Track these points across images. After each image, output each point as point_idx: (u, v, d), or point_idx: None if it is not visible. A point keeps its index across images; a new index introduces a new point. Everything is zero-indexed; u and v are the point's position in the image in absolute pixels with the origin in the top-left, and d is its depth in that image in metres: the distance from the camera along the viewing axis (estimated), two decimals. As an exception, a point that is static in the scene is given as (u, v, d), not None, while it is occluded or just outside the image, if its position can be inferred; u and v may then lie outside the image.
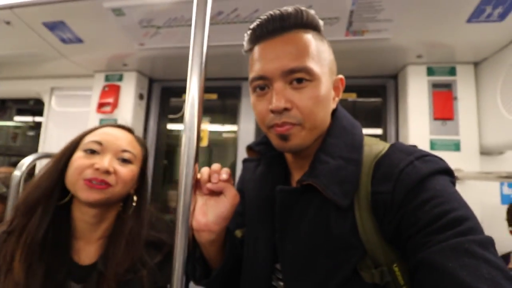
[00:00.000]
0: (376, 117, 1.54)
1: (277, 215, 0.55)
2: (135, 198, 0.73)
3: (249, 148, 0.69)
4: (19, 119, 2.40)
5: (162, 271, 0.70)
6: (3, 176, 1.31)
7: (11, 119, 2.40)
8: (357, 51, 1.20)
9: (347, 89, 1.49)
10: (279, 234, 0.54)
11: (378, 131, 1.53)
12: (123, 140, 0.69)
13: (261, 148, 0.66)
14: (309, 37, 0.51)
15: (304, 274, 0.49)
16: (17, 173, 1.04)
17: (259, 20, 0.52)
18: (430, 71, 1.27)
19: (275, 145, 0.54)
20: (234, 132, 1.74)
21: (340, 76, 0.58)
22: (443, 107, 1.22)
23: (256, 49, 0.54)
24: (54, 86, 1.79)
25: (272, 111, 0.49)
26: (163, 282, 0.69)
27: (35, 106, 2.03)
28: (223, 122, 1.88)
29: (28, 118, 2.38)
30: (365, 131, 0.59)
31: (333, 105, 0.56)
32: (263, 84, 0.51)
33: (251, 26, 0.54)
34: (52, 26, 1.28)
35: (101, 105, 1.53)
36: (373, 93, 1.55)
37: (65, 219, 0.68)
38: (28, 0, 1.18)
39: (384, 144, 0.53)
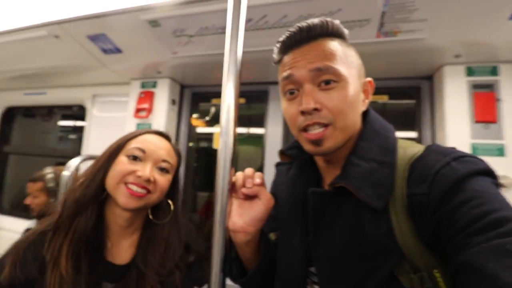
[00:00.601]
0: (408, 120, 1.48)
1: (310, 218, 0.56)
2: (171, 203, 0.75)
3: (282, 153, 0.70)
4: (62, 123, 2.61)
5: (191, 273, 0.72)
6: (57, 173, 1.47)
7: (55, 123, 2.62)
8: (388, 52, 1.17)
9: (378, 91, 1.45)
10: (312, 237, 0.55)
11: (412, 134, 1.47)
12: (163, 149, 0.72)
13: (293, 152, 0.67)
14: (335, 43, 0.53)
15: (339, 277, 0.49)
16: (66, 173, 1.14)
17: (288, 32, 0.56)
18: (470, 71, 1.20)
19: (306, 149, 0.55)
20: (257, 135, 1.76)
21: (369, 78, 0.59)
22: (485, 109, 1.15)
23: (285, 58, 0.56)
24: (95, 93, 1.93)
25: (303, 113, 0.51)
26: (191, 284, 0.71)
27: (77, 112, 2.20)
28: (249, 125, 1.91)
29: (71, 123, 2.58)
30: (397, 134, 0.58)
31: (362, 107, 0.57)
32: (293, 89, 0.54)
33: (280, 39, 0.57)
34: (95, 38, 1.39)
35: (138, 111, 1.63)
36: (405, 95, 1.49)
37: (99, 218, 0.70)
38: (74, 16, 1.29)
39: (420, 147, 0.52)
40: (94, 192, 0.67)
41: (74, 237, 0.64)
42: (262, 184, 0.55)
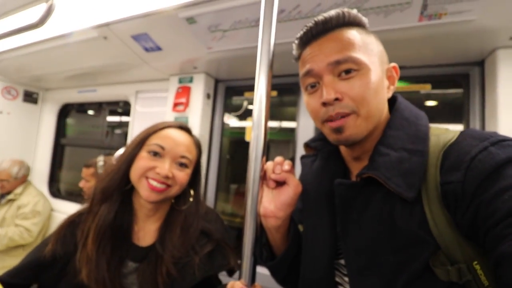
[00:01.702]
0: (454, 111, 1.37)
1: (337, 210, 0.55)
2: (191, 192, 0.80)
3: (306, 145, 0.72)
4: (110, 119, 2.84)
5: (213, 260, 0.74)
6: (106, 161, 1.63)
7: (105, 118, 2.86)
8: (432, 37, 1.09)
9: (420, 80, 1.37)
10: (340, 229, 0.55)
11: (458, 127, 1.35)
12: (183, 145, 0.74)
13: (317, 144, 0.68)
14: (353, 32, 0.53)
15: (370, 270, 0.49)
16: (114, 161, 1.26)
17: (305, 27, 0.56)
18: (529, 55, 1.07)
19: (330, 139, 0.55)
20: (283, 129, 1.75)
21: (393, 64, 0.57)
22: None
23: (303, 53, 0.57)
24: (138, 90, 2.08)
25: (324, 104, 0.51)
26: (214, 271, 0.74)
27: (123, 107, 2.39)
28: (281, 119, 1.91)
29: (117, 118, 2.80)
30: (442, 127, 0.55)
31: (388, 94, 0.55)
32: (313, 82, 0.54)
33: (298, 35, 0.58)
34: (138, 38, 1.49)
35: (175, 105, 1.72)
36: (452, 83, 1.37)
37: (128, 205, 0.76)
38: (120, 17, 1.40)
39: (455, 133, 0.49)
40: (118, 183, 0.73)
41: (99, 222, 0.70)
42: (291, 171, 0.57)
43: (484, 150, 0.42)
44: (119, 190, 0.73)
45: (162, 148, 0.72)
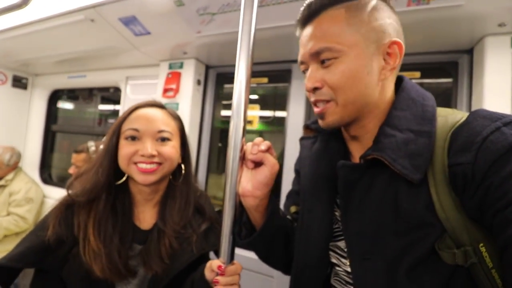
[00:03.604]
0: (445, 101, 1.37)
1: (340, 192, 0.55)
2: (183, 166, 0.80)
3: (306, 127, 0.72)
4: (102, 107, 2.80)
5: (208, 239, 0.77)
6: (97, 146, 1.62)
7: (96, 106, 2.83)
8: (421, 22, 1.08)
9: (409, 67, 1.36)
10: (342, 211, 0.54)
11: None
12: (158, 120, 0.72)
13: (318, 125, 0.66)
14: (337, 13, 0.51)
15: (372, 253, 0.49)
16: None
17: (302, 8, 0.56)
18: (516, 42, 1.07)
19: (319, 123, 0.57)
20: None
21: (394, 39, 0.52)
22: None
23: (300, 36, 0.58)
24: (128, 75, 2.05)
25: (307, 91, 0.54)
26: (209, 249, 0.76)
27: (114, 94, 2.36)
28: (273, 106, 1.90)
29: (110, 106, 2.76)
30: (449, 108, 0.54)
31: (382, 75, 0.52)
32: (305, 68, 0.57)
33: (298, 18, 0.58)
34: (126, 21, 1.46)
35: (165, 91, 1.71)
36: (441, 71, 1.38)
37: (126, 192, 0.76)
38: None
39: (463, 113, 0.48)
40: (106, 177, 0.71)
41: (96, 217, 0.69)
42: (268, 151, 0.58)
43: (496, 131, 0.40)
44: (109, 183, 0.72)
45: (137, 130, 0.71)
